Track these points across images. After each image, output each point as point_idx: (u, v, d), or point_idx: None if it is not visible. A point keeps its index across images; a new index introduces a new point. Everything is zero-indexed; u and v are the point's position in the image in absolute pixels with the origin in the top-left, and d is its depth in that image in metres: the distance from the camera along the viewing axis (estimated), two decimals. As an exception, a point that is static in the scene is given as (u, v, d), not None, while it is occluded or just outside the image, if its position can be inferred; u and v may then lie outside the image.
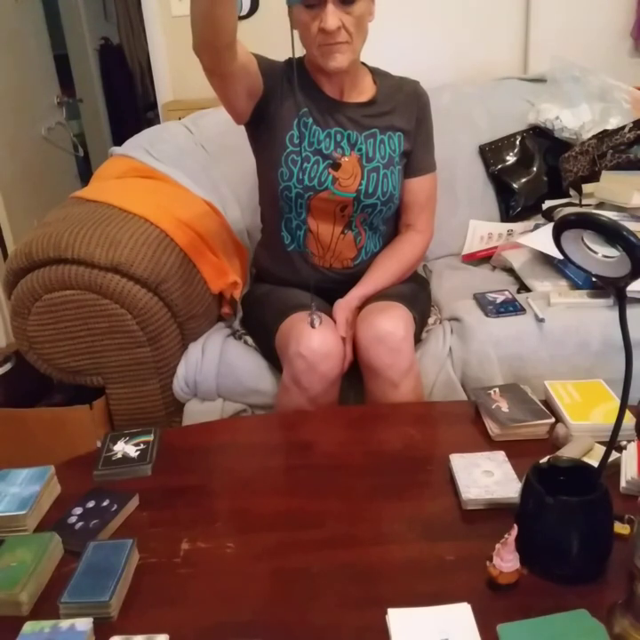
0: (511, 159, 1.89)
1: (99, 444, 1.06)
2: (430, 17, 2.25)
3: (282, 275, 1.40)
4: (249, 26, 2.31)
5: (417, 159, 1.36)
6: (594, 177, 1.68)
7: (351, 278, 1.34)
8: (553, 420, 1.01)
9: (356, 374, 1.26)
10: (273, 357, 1.31)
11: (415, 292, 1.39)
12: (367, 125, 1.30)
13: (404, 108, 1.33)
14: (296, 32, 1.20)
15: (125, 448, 1.02)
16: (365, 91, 1.32)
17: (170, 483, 0.96)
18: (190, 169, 1.71)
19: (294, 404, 1.18)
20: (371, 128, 1.30)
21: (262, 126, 1.29)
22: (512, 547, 0.72)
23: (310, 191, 1.28)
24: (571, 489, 0.74)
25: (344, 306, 1.26)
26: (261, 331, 1.35)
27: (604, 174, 1.64)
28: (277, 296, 1.36)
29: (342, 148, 1.29)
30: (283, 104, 1.27)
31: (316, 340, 1.14)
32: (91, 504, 0.89)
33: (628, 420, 0.80)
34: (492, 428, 1.02)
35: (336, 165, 1.28)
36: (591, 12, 2.21)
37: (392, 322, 1.17)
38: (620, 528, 0.78)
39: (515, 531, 0.73)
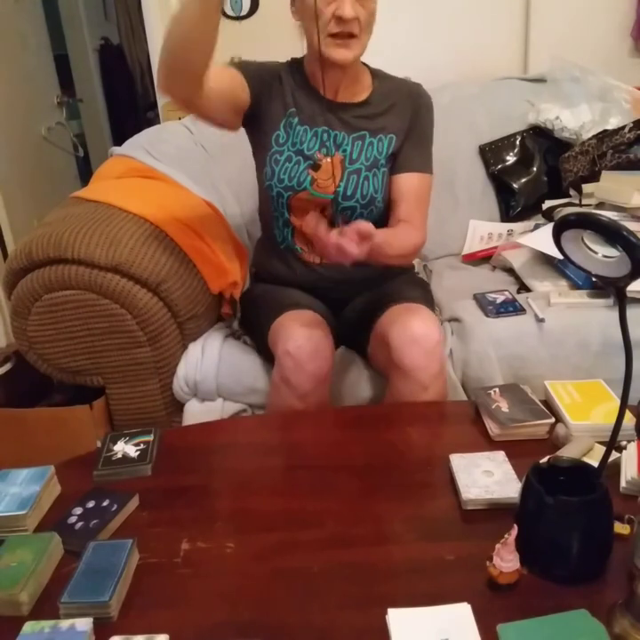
0: (511, 159, 1.89)
1: (99, 443, 1.06)
2: (430, 17, 2.25)
3: (279, 272, 1.40)
4: (249, 26, 2.31)
5: (404, 156, 1.32)
6: (594, 177, 1.68)
7: (348, 277, 1.33)
8: (553, 420, 1.01)
9: (356, 374, 1.26)
10: (270, 356, 1.31)
11: (426, 296, 1.39)
12: (357, 127, 1.29)
13: (398, 110, 1.31)
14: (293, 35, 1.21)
15: (125, 448, 1.02)
16: (361, 91, 1.31)
17: (170, 483, 0.96)
18: (190, 169, 1.71)
19: (285, 403, 1.18)
20: (360, 130, 1.29)
21: (255, 126, 1.31)
22: (512, 547, 0.72)
23: (290, 191, 1.28)
24: (571, 489, 0.74)
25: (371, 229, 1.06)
26: (257, 330, 1.35)
27: (604, 174, 1.64)
28: (273, 295, 1.36)
29: (327, 148, 1.28)
30: (271, 104, 1.28)
31: (303, 339, 1.14)
32: (91, 504, 0.89)
33: (628, 419, 0.80)
34: (492, 428, 1.02)
35: (316, 166, 1.27)
36: (591, 13, 2.21)
37: (426, 324, 1.16)
38: (620, 528, 0.78)
39: (515, 531, 0.73)
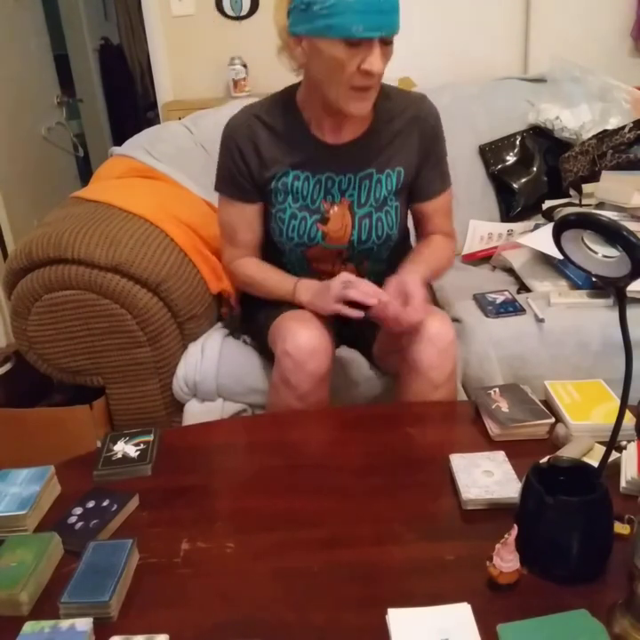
0: (511, 159, 1.90)
1: (99, 443, 1.06)
2: (430, 17, 2.25)
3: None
4: (249, 26, 2.31)
5: (426, 183, 1.26)
6: (594, 177, 1.68)
7: None
8: (553, 420, 1.01)
9: (357, 373, 1.25)
10: (271, 356, 1.31)
11: (432, 298, 1.38)
12: (363, 165, 1.21)
13: (405, 138, 1.22)
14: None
15: (125, 448, 1.02)
16: (364, 119, 1.21)
17: (170, 483, 0.96)
18: (190, 169, 1.71)
19: (284, 404, 1.18)
20: (367, 168, 1.21)
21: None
22: (512, 547, 0.72)
23: (302, 246, 1.25)
24: (571, 489, 0.74)
25: (419, 282, 1.13)
26: (257, 329, 1.35)
27: (604, 174, 1.64)
28: None
29: (332, 195, 1.22)
30: (260, 174, 1.22)
31: (302, 338, 1.14)
32: (91, 504, 0.89)
33: (628, 419, 0.80)
34: (492, 428, 1.02)
35: (324, 219, 1.22)
36: (591, 13, 2.21)
37: (441, 323, 1.15)
38: (620, 528, 0.78)
39: (515, 531, 0.73)
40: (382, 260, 1.31)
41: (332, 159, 1.21)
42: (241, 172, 1.22)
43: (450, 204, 1.33)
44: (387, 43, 1.06)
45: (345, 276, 1.17)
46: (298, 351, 1.13)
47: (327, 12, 1.00)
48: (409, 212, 1.33)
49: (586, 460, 0.87)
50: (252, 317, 1.41)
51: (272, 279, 1.28)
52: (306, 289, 1.22)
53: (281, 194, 1.23)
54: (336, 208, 1.23)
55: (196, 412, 1.39)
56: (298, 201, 1.23)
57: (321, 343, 1.15)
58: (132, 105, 4.06)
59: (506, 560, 0.72)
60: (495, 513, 0.84)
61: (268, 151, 1.21)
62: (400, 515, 0.86)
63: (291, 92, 1.22)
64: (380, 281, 1.28)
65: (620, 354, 0.74)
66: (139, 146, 1.75)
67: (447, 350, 1.14)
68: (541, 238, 1.51)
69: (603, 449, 0.82)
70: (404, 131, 1.22)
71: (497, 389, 1.09)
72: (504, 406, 1.03)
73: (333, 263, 1.29)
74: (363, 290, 1.13)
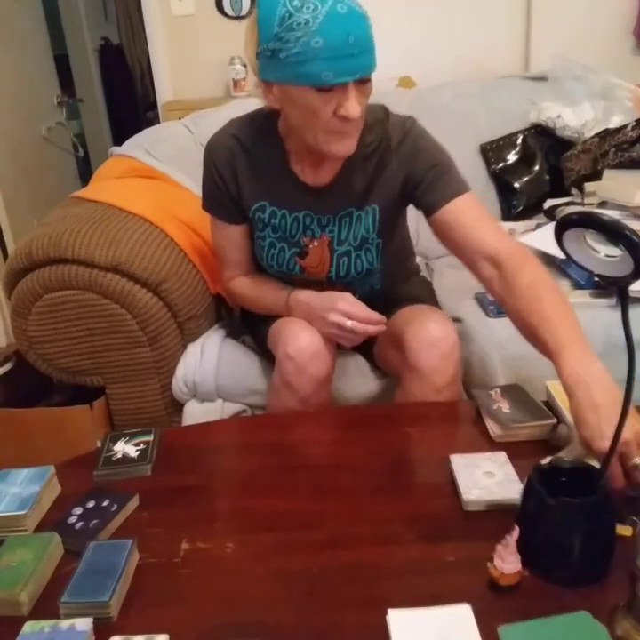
0: (512, 158, 1.89)
1: (99, 443, 1.06)
2: (430, 16, 2.25)
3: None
4: (249, 25, 2.31)
5: (431, 191, 1.12)
6: (596, 175, 1.68)
7: (351, 290, 1.25)
8: (554, 420, 1.01)
9: (357, 374, 1.25)
10: (271, 356, 1.31)
11: (434, 299, 1.38)
12: (343, 204, 1.18)
13: (379, 175, 1.16)
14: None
15: (125, 448, 1.01)
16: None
17: (170, 483, 0.96)
18: (190, 169, 1.70)
19: (286, 406, 1.17)
20: (347, 207, 1.18)
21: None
22: (513, 548, 0.72)
23: (281, 274, 1.25)
24: (572, 490, 0.74)
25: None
26: (257, 331, 1.34)
27: (607, 173, 1.63)
28: None
29: (311, 230, 1.20)
30: (239, 193, 1.19)
31: (303, 341, 1.13)
32: (91, 504, 0.89)
33: (630, 420, 0.79)
34: (493, 429, 1.01)
35: (303, 253, 1.21)
36: (593, 11, 2.21)
37: (444, 326, 1.13)
38: (622, 530, 0.77)
39: (516, 532, 0.72)
40: (374, 275, 1.28)
41: (310, 200, 1.18)
42: (223, 194, 1.20)
43: (478, 209, 1.12)
44: (363, 82, 0.98)
45: (341, 305, 1.13)
46: (300, 354, 1.13)
47: (294, 60, 0.93)
48: (444, 240, 1.15)
49: (588, 460, 0.87)
50: (251, 318, 1.40)
51: (265, 297, 1.26)
52: (298, 308, 1.18)
53: (260, 223, 1.21)
54: (316, 243, 1.20)
55: (195, 413, 1.39)
56: (277, 232, 1.21)
57: (323, 346, 1.15)
58: (132, 105, 4.07)
59: (507, 561, 0.72)
60: (496, 514, 0.83)
61: (245, 182, 1.18)
62: (400, 515, 0.86)
63: (273, 115, 1.14)
64: (370, 295, 1.27)
65: (623, 354, 0.74)
66: (139, 146, 1.75)
67: (450, 354, 1.13)
68: (543, 238, 1.50)
69: (604, 449, 0.82)
70: (379, 164, 1.15)
71: (498, 390, 1.09)
72: (505, 407, 1.03)
73: (320, 284, 1.26)
74: (362, 320, 1.11)
